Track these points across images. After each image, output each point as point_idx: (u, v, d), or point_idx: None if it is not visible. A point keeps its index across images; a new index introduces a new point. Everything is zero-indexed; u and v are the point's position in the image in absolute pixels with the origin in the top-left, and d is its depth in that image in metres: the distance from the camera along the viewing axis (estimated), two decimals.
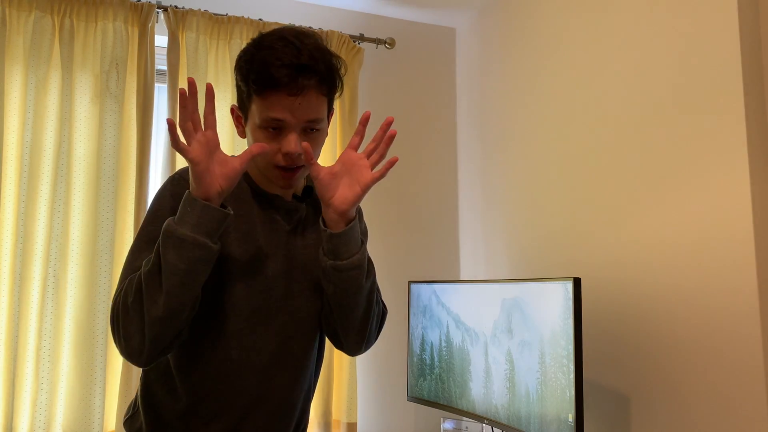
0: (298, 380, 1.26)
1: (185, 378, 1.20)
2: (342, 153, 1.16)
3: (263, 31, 2.80)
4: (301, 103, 1.12)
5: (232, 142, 2.51)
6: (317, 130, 1.17)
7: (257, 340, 1.21)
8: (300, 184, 1.29)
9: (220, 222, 1.07)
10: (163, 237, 1.06)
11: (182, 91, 1.06)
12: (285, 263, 1.23)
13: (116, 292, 1.15)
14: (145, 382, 1.25)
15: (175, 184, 1.20)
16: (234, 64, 1.23)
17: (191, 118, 1.06)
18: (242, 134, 1.22)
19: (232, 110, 1.23)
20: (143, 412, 1.24)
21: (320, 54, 1.14)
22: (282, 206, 1.24)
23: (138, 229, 1.30)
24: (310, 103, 1.13)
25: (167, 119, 1.04)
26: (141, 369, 1.32)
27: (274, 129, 1.14)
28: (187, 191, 1.08)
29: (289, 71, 1.10)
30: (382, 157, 1.16)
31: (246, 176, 1.24)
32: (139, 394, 1.26)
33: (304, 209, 1.27)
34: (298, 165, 1.17)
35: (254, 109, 1.14)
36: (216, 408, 1.20)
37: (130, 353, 1.09)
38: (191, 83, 1.07)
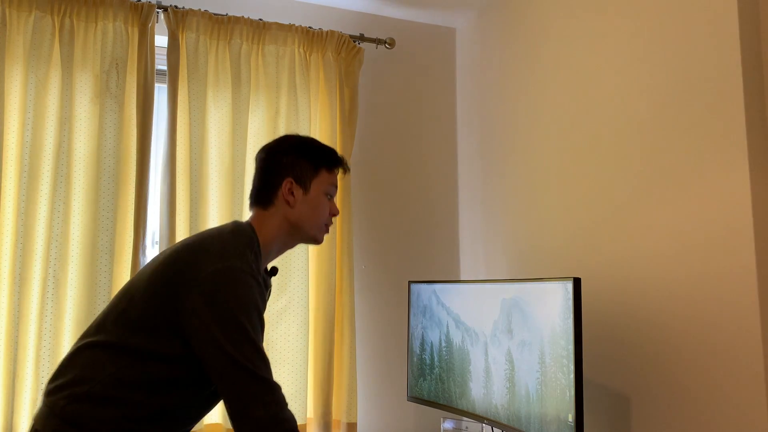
0: None
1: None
2: None
3: (263, 31, 2.78)
4: None
5: (231, 136, 2.51)
6: None
7: None
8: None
9: None
10: None
11: None
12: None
13: (272, 400, 1.32)
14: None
15: (255, 275, 1.42)
16: (290, 147, 1.57)
17: None
18: (294, 203, 1.53)
19: (287, 183, 1.53)
20: None
21: None
22: (268, 284, 1.59)
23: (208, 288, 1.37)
24: None
25: None
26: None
27: (331, 197, 1.59)
28: None
29: (342, 158, 1.63)
30: None
31: (260, 256, 1.48)
32: None
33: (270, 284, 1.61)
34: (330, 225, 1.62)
35: (321, 179, 1.56)
36: None
37: None
38: None
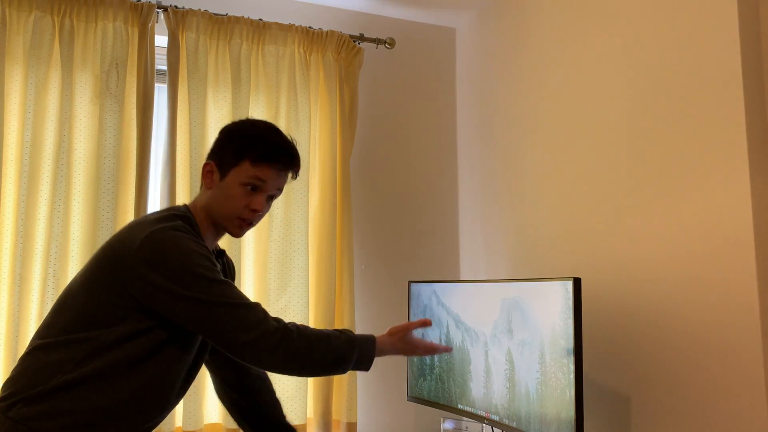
0: None
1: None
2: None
3: (263, 31, 2.77)
4: (280, 177, 1.50)
5: None
6: (274, 198, 1.54)
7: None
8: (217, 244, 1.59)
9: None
10: (359, 353, 1.43)
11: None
12: None
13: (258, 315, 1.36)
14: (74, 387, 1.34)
15: (188, 232, 1.41)
16: (227, 131, 1.53)
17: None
18: (210, 185, 1.49)
19: (206, 165, 1.50)
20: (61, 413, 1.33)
21: (297, 152, 1.54)
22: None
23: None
24: (282, 179, 1.51)
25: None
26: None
27: (252, 188, 1.47)
28: (381, 342, 1.49)
29: (287, 156, 1.50)
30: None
31: (200, 236, 1.47)
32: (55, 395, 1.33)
33: (219, 265, 1.54)
34: (254, 221, 1.50)
35: (242, 170, 1.46)
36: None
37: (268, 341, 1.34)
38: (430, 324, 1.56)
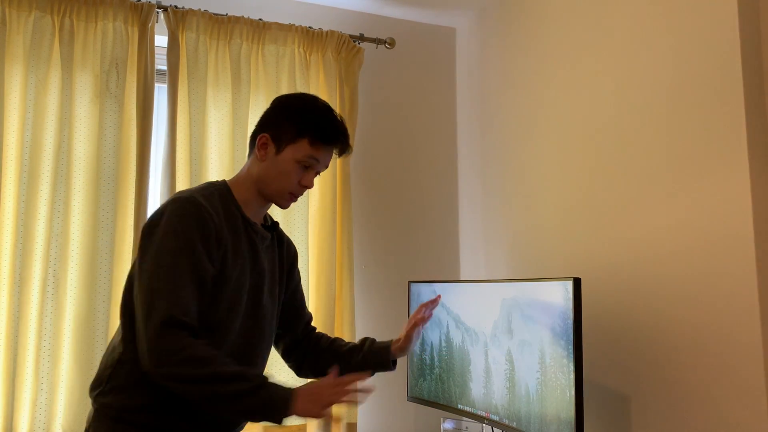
0: None
1: None
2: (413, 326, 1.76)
3: (263, 31, 2.77)
4: (330, 158, 1.56)
5: (231, 136, 2.51)
6: (319, 173, 1.59)
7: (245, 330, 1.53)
8: (265, 216, 1.63)
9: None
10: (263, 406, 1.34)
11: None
12: (259, 277, 1.55)
13: (170, 321, 1.32)
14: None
15: (199, 205, 1.42)
16: (286, 105, 1.55)
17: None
18: (263, 158, 1.51)
19: (262, 137, 1.52)
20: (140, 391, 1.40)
21: (348, 133, 1.59)
22: (259, 231, 1.55)
23: (156, 242, 1.40)
24: (330, 157, 1.57)
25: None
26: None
27: (305, 167, 1.51)
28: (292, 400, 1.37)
29: (343, 139, 1.55)
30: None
31: (236, 204, 1.51)
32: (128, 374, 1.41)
33: (269, 236, 1.60)
34: (300, 195, 1.56)
35: (299, 146, 1.49)
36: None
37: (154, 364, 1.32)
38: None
